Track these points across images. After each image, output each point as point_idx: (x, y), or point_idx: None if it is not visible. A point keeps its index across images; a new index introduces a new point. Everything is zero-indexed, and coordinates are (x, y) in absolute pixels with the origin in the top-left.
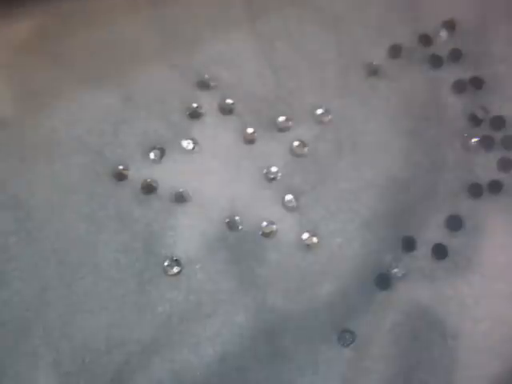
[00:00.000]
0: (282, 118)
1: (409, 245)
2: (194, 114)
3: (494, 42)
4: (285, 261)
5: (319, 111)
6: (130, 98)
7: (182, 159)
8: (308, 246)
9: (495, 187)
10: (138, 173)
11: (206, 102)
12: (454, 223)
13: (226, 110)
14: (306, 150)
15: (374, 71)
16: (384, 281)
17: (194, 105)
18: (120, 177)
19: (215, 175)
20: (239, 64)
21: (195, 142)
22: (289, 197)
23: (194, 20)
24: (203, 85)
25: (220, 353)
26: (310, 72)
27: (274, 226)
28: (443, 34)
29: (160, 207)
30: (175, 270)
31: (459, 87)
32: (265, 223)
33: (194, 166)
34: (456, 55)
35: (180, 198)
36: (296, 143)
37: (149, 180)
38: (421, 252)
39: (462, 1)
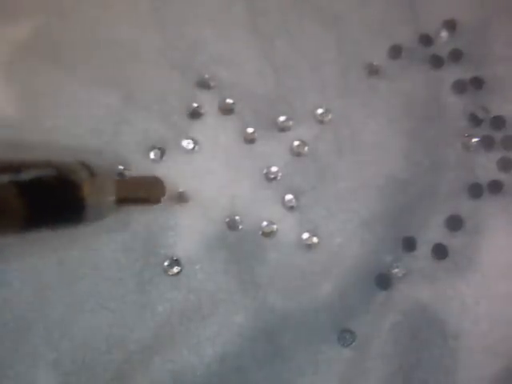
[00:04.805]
0: (282, 118)
1: (409, 245)
2: (194, 114)
3: (494, 41)
4: (285, 261)
5: (319, 111)
6: (130, 97)
7: (182, 159)
8: (308, 246)
9: (495, 187)
10: (138, 173)
11: (206, 102)
12: (454, 223)
13: (226, 110)
14: (306, 149)
15: (374, 71)
16: (384, 281)
17: (194, 105)
18: (120, 177)
19: (215, 175)
20: (239, 64)
21: (195, 142)
22: (289, 197)
23: (194, 20)
24: (203, 85)
25: (220, 353)
26: (310, 72)
27: (274, 226)
28: (444, 34)
29: (160, 207)
30: (175, 269)
31: (459, 87)
32: (265, 223)
33: (194, 166)
34: (456, 55)
35: (180, 198)
36: (296, 143)
37: None
38: (421, 252)
39: (462, 1)
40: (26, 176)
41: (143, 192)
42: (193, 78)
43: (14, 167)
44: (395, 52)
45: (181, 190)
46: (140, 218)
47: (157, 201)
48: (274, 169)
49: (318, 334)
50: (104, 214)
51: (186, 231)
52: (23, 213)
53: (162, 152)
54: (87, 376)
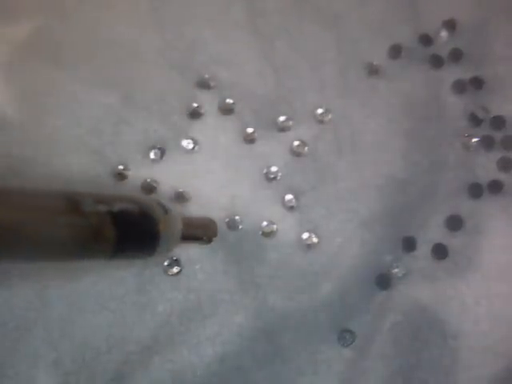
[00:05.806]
0: (282, 118)
1: (409, 245)
2: (194, 114)
3: (494, 41)
4: (285, 261)
5: (319, 111)
6: (130, 97)
7: (182, 159)
8: (308, 246)
9: (495, 187)
10: (138, 173)
11: (206, 102)
12: (454, 223)
13: (226, 110)
14: (306, 149)
15: (374, 71)
16: (384, 281)
17: (194, 105)
18: (120, 177)
19: (215, 175)
20: (239, 64)
21: (195, 142)
22: (289, 196)
23: (193, 20)
24: (203, 85)
25: (220, 353)
26: (310, 72)
27: (274, 226)
28: (443, 33)
29: None
30: (175, 269)
31: (459, 87)
32: (265, 223)
33: (194, 166)
34: (456, 55)
35: (180, 198)
36: (296, 143)
37: (149, 180)
38: (421, 252)
39: (462, 1)
40: (117, 207)
41: (201, 231)
42: (193, 78)
43: (108, 199)
44: (395, 52)
45: (181, 190)
46: None
47: (210, 240)
48: (273, 169)
49: (317, 334)
50: (170, 247)
51: None
52: (113, 240)
53: (162, 152)
54: (87, 376)
